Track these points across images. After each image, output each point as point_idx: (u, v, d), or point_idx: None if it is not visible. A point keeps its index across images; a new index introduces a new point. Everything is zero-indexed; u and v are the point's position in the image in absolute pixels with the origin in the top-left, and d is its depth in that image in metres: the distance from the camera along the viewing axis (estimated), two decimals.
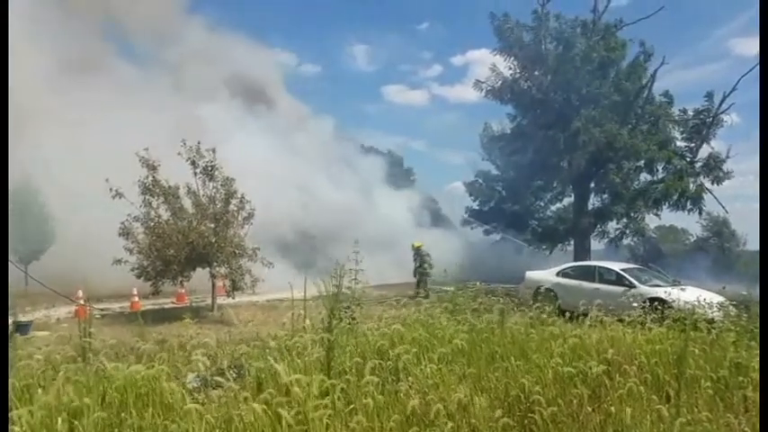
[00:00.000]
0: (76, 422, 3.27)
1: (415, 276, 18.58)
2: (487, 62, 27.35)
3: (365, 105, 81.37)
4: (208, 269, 13.27)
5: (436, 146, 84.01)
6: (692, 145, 25.14)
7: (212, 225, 12.79)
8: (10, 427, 3.08)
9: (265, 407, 3.31)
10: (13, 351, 4.77)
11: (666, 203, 24.93)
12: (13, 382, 3.89)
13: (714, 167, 24.36)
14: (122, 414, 3.48)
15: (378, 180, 34.32)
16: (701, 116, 24.72)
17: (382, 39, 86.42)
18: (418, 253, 18.56)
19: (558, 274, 15.87)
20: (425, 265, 18.20)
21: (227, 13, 63.20)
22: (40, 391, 3.59)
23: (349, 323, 6.40)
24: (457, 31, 79.55)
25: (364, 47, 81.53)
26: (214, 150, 13.01)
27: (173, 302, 15.94)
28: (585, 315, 7.31)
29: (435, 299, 8.82)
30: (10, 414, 3.17)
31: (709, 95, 24.32)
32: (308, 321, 6.45)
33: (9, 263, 14.61)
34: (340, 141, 36.25)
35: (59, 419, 3.22)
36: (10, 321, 8.03)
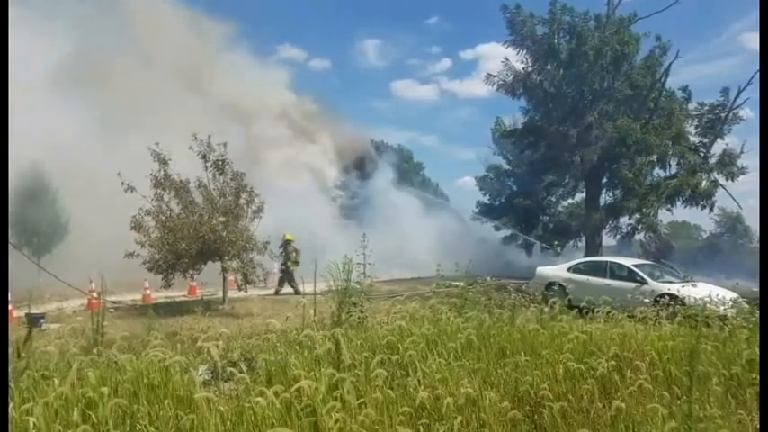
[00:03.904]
0: (91, 413, 3.31)
1: (280, 271, 17.14)
2: (497, 56, 27.39)
3: (375, 101, 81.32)
4: (219, 262, 13.33)
5: (447, 141, 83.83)
6: (706, 140, 24.90)
7: (223, 219, 12.85)
8: (24, 417, 3.12)
9: (275, 399, 3.34)
10: (28, 343, 4.84)
11: (679, 199, 24.73)
12: (28, 372, 3.95)
13: (728, 163, 24.11)
14: (135, 405, 3.51)
15: None
16: (716, 111, 24.43)
17: (391, 33, 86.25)
18: (285, 247, 16.96)
19: (569, 270, 15.78)
20: (289, 263, 16.79)
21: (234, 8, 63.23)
22: (56, 381, 3.63)
23: (357, 317, 6.42)
24: (466, 25, 79.30)
25: (373, 41, 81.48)
26: (225, 144, 13.06)
27: (184, 296, 16.05)
28: (597, 311, 7.27)
29: (444, 295, 8.78)
30: (24, 406, 3.21)
31: (725, 90, 24.06)
32: (312, 312, 6.49)
33: (23, 256, 14.80)
34: None
35: (74, 410, 3.26)
36: (23, 314, 8.13)
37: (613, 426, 3.85)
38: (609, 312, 7.02)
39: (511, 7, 25.51)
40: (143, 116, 22.57)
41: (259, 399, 3.33)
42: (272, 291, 16.49)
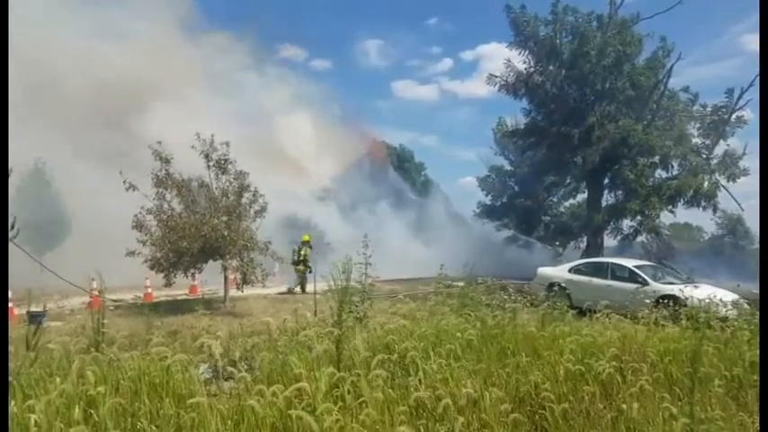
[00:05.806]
0: (92, 411, 3.31)
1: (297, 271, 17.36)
2: (497, 56, 27.48)
3: (376, 101, 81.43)
4: (220, 261, 13.33)
5: (448, 141, 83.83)
6: (708, 141, 24.85)
7: (225, 218, 12.83)
8: (26, 414, 3.13)
9: (275, 399, 3.33)
10: (36, 336, 4.87)
11: (681, 200, 24.67)
12: (30, 371, 3.95)
13: (730, 165, 24.06)
14: (136, 404, 3.51)
15: None
16: (719, 113, 24.39)
17: (392, 34, 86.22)
18: (304, 249, 17.38)
19: (570, 271, 15.76)
20: (302, 267, 17.18)
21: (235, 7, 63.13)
22: (57, 380, 3.63)
23: (357, 316, 6.40)
24: (466, 26, 79.36)
25: (374, 42, 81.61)
26: (228, 144, 13.05)
27: (186, 294, 16.05)
28: (598, 311, 7.27)
29: (445, 295, 8.77)
30: (27, 403, 3.22)
31: (729, 92, 24.01)
32: (309, 314, 6.48)
33: (25, 253, 14.79)
34: None
35: (76, 408, 3.26)
36: (24, 312, 8.13)
37: (614, 427, 3.84)
38: (609, 314, 7.02)
39: (515, 8, 25.52)
40: None
41: (258, 398, 3.33)
42: (272, 290, 16.49)
